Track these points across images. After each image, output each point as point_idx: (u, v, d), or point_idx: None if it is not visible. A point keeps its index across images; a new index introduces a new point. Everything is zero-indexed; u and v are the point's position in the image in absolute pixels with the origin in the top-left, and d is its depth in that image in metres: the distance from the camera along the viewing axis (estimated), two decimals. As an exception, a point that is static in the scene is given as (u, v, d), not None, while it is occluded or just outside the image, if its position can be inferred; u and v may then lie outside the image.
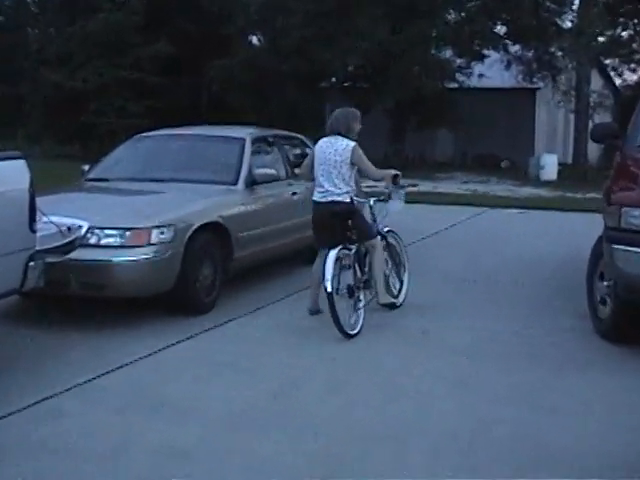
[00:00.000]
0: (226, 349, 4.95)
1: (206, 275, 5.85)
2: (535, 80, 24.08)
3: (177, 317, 5.67)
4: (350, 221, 5.51)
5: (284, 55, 23.31)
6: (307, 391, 4.22)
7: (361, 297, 5.51)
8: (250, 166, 6.69)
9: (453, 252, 8.74)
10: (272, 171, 6.75)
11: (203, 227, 5.78)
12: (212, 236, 5.93)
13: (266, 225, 6.70)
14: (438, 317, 5.83)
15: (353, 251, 5.51)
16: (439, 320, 5.74)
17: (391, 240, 6.13)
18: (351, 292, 5.39)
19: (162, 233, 5.43)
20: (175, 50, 25.15)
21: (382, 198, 5.84)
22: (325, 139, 5.58)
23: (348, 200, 5.47)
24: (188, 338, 5.18)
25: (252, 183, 6.61)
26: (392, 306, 5.84)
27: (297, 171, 5.90)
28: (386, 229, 6.04)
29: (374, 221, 5.85)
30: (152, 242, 5.37)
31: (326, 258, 5.24)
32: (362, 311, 5.48)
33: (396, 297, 6.08)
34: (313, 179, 5.67)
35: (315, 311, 5.63)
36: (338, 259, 5.28)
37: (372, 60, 22.67)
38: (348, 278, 5.42)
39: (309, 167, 5.72)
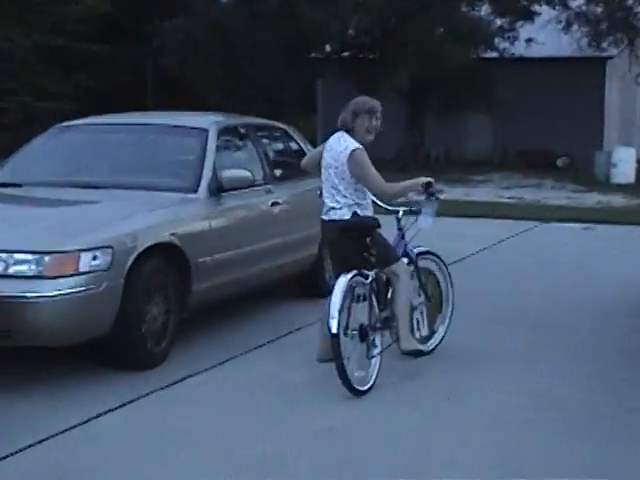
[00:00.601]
0: (181, 417, 4.99)
1: (155, 315, 5.91)
2: (605, 46, 24.12)
3: (116, 373, 5.72)
4: (366, 240, 5.61)
5: (261, 15, 23.55)
6: (291, 478, 4.25)
7: (377, 341, 5.59)
8: (215, 167, 6.77)
9: (492, 283, 8.82)
10: (245, 173, 6.83)
11: (151, 250, 5.85)
12: (163, 262, 6.00)
13: (237, 247, 6.77)
14: (472, 371, 5.90)
15: (370, 279, 5.59)
16: (473, 376, 5.81)
17: (425, 264, 6.21)
18: (364, 334, 5.48)
19: (95, 258, 5.49)
20: (112, 8, 25.36)
21: (413, 208, 5.94)
22: (337, 135, 5.70)
23: (347, 217, 5.55)
24: (130, 402, 5.22)
25: (218, 190, 6.68)
26: (418, 354, 5.87)
27: (301, 164, 6.01)
28: (418, 249, 6.14)
29: (402, 238, 5.96)
30: (81, 271, 5.42)
31: (333, 288, 5.33)
32: (377, 360, 5.56)
33: (425, 342, 6.15)
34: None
35: (326, 359, 5.66)
36: (350, 289, 5.37)
37: (380, 21, 22.92)
38: (362, 314, 5.51)
39: (313, 161, 5.86)
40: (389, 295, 5.73)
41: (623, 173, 21.04)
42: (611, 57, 25.71)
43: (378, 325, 5.61)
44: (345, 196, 5.55)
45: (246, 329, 6.93)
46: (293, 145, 8.32)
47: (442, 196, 6.11)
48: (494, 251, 10.70)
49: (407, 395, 5.43)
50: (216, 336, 6.70)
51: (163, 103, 24.32)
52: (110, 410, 5.07)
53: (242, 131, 7.67)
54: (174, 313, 6.09)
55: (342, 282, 5.33)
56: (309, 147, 8.53)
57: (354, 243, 5.59)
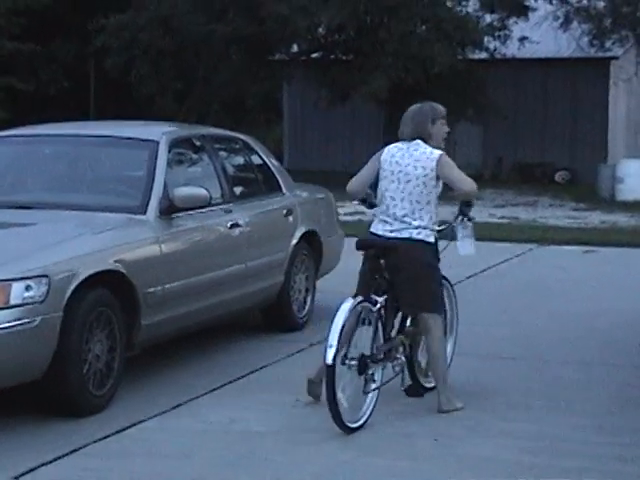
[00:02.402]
0: (125, 472, 4.99)
1: (98, 354, 5.91)
2: (609, 45, 24.14)
3: (53, 420, 5.70)
4: (408, 272, 5.81)
5: (218, 11, 23.62)
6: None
7: (376, 375, 5.74)
8: (166, 184, 6.80)
9: (483, 314, 8.89)
10: (200, 191, 6.85)
11: (93, 279, 5.85)
12: (107, 293, 6.01)
13: (192, 275, 6.79)
14: (463, 410, 5.96)
15: (379, 305, 5.77)
16: (464, 415, 5.87)
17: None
18: (363, 366, 5.61)
19: (28, 289, 5.49)
20: (47, 1, 25.28)
21: (444, 228, 6.12)
22: (398, 145, 6.03)
23: (421, 237, 5.84)
24: (67, 454, 5.21)
25: (169, 210, 6.70)
26: (419, 391, 6.13)
27: (348, 186, 6.17)
28: None
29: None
30: (12, 303, 5.41)
31: (336, 313, 5.48)
32: (374, 396, 5.71)
33: (428, 375, 6.32)
34: (370, 203, 6.11)
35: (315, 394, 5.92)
36: (355, 314, 5.53)
37: (354, 17, 23.04)
38: (364, 342, 5.64)
39: (366, 181, 6.12)
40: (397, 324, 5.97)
41: (630, 189, 21.11)
42: (616, 57, 25.93)
43: (380, 357, 5.77)
44: (426, 212, 5.85)
45: (203, 369, 6.93)
46: (255, 159, 8.36)
47: (476, 218, 6.30)
48: (485, 278, 10.78)
49: (391, 439, 5.47)
50: (168, 377, 6.70)
51: (107, 111, 24.32)
52: (43, 464, 5.05)
53: (197, 143, 7.71)
54: (120, 351, 6.09)
55: (346, 308, 5.50)
56: (273, 160, 8.59)
57: (397, 272, 5.85)
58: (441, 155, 5.89)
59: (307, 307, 8.38)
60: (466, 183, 5.88)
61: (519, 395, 6.40)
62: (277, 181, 8.42)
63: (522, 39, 24.64)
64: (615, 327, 8.48)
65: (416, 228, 5.84)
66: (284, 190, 8.43)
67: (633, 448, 5.38)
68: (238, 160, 8.34)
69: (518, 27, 24.71)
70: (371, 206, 6.19)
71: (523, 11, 24.56)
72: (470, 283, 10.45)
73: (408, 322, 6.09)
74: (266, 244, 7.79)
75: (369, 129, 27.77)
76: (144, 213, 6.57)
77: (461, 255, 6.15)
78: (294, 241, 8.16)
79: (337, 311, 5.50)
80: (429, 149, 5.92)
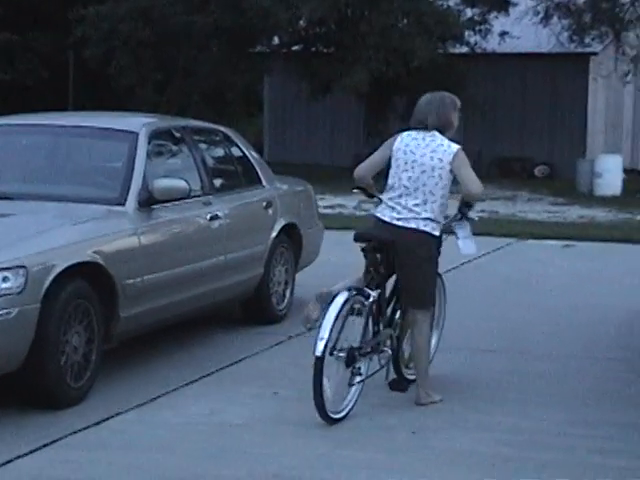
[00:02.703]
0: (104, 464, 4.97)
1: (76, 345, 5.88)
2: (589, 41, 24.27)
3: (30, 413, 5.67)
4: (407, 266, 5.85)
5: (199, 2, 23.57)
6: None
7: (362, 369, 5.79)
8: (146, 176, 6.78)
9: (461, 308, 8.91)
10: (180, 183, 6.84)
11: (71, 270, 5.82)
12: (86, 284, 5.98)
13: (171, 267, 6.78)
14: (442, 403, 5.99)
15: (372, 299, 5.80)
16: (443, 408, 5.90)
17: None
18: (351, 359, 5.65)
19: (5, 280, 5.46)
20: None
21: (445, 223, 6.11)
22: (412, 134, 5.99)
23: (428, 229, 5.83)
24: (44, 446, 5.19)
25: (148, 202, 6.68)
26: (403, 386, 6.18)
27: (356, 171, 6.14)
28: None
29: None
30: (-10, 294, 5.38)
31: (328, 306, 5.53)
32: (358, 389, 5.77)
33: (409, 367, 6.36)
34: (370, 193, 6.11)
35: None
36: (348, 305, 5.57)
37: (335, 10, 23.06)
38: (354, 333, 5.68)
39: (376, 167, 6.09)
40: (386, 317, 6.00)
41: (608, 184, 21.23)
42: (595, 53, 26.01)
43: (367, 350, 5.80)
44: (436, 205, 5.83)
45: (181, 361, 6.92)
46: (235, 151, 8.35)
47: (476, 218, 6.34)
48: (464, 272, 10.79)
49: (370, 431, 5.49)
50: (146, 369, 6.68)
51: (86, 102, 24.22)
52: (19, 457, 5.02)
53: (177, 135, 7.69)
54: (98, 343, 6.07)
55: (340, 300, 5.54)
56: (253, 153, 8.57)
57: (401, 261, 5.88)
58: (459, 150, 5.90)
59: (286, 300, 8.38)
60: (475, 185, 5.87)
61: (497, 388, 6.44)
62: (257, 173, 8.41)
63: (503, 34, 24.70)
64: (594, 321, 8.53)
65: (424, 220, 5.83)
66: (264, 182, 8.42)
67: (609, 441, 5.41)
68: (218, 152, 8.32)
69: (499, 22, 24.76)
70: (370, 196, 6.19)
71: (504, 6, 24.62)
72: (448, 277, 10.40)
73: (397, 315, 6.12)
74: (245, 236, 7.78)
75: (349, 122, 27.76)
76: (123, 204, 6.55)
77: (463, 254, 6.21)
78: (274, 233, 8.15)
79: (331, 303, 5.53)
80: (446, 141, 5.92)
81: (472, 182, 5.88)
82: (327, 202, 17.88)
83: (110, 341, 6.28)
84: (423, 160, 5.87)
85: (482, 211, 18.14)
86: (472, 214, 6.17)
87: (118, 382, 6.32)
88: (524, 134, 26.85)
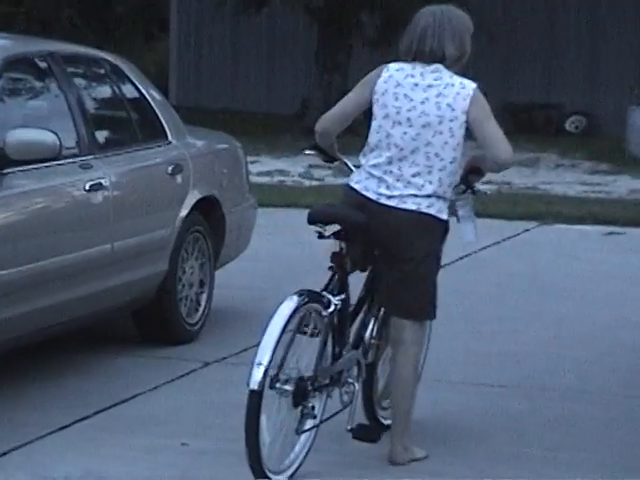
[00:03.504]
0: None
1: None
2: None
3: None
4: (403, 262, 5.86)
5: None
6: None
7: (316, 409, 5.79)
8: (-5, 124, 6.79)
9: (459, 320, 8.96)
10: (46, 136, 6.82)
11: None
12: None
13: (31, 260, 6.77)
14: (424, 465, 6.00)
15: (332, 308, 5.80)
16: (426, 472, 5.90)
17: None
18: (301, 394, 5.64)
19: None
20: None
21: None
22: (405, 68, 5.90)
23: (433, 212, 5.82)
24: None
25: (1, 163, 6.68)
26: (372, 435, 6.13)
27: (318, 124, 6.05)
28: None
29: None
30: None
31: (272, 316, 5.53)
32: (309, 438, 5.79)
33: (382, 405, 6.43)
34: (330, 156, 6.14)
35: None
36: (297, 317, 5.60)
37: None
38: (305, 358, 5.70)
39: (347, 118, 6.03)
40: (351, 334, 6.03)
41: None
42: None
43: (324, 381, 5.80)
44: (446, 175, 5.82)
45: (45, 399, 6.89)
46: (128, 90, 8.34)
47: (489, 191, 6.35)
48: (462, 269, 10.84)
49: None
50: (-5, 410, 6.69)
51: None
52: None
53: (42, 65, 7.65)
54: None
55: (286, 310, 5.54)
56: (154, 93, 8.56)
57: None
58: (476, 90, 5.86)
59: (202, 309, 8.40)
60: (504, 145, 5.83)
61: (506, 440, 6.47)
62: (160, 123, 8.40)
63: None
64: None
65: (427, 197, 5.79)
66: (169, 137, 8.41)
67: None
68: (102, 91, 8.30)
69: None
70: (329, 159, 6.24)
71: None
72: (441, 277, 10.46)
73: (368, 331, 6.13)
74: (142, 216, 7.79)
75: (295, 51, 27.72)
76: (-37, 167, 6.58)
77: (464, 242, 6.26)
78: (184, 212, 8.15)
79: (274, 315, 5.54)
80: (457, 78, 5.86)
81: (500, 141, 5.83)
82: (263, 167, 17.88)
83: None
84: (425, 108, 5.82)
85: (488, 182, 18.21)
86: (480, 185, 6.23)
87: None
88: (552, 71, 26.97)
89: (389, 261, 5.90)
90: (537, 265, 11.52)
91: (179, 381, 7.39)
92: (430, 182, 5.79)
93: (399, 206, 5.78)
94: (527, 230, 13.55)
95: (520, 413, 6.99)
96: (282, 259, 10.56)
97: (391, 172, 5.82)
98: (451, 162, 5.83)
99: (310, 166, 17.17)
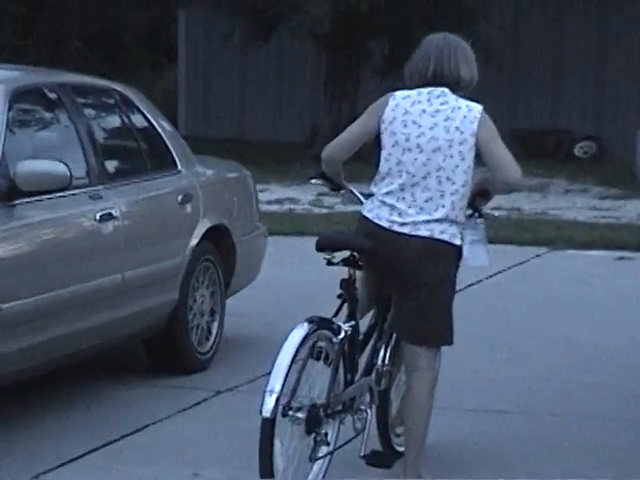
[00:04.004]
0: None
1: None
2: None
3: None
4: (419, 289, 5.85)
5: None
6: None
7: (329, 436, 5.80)
8: (5, 156, 6.77)
9: (470, 346, 8.95)
10: (56, 167, 6.83)
11: None
12: None
13: (43, 290, 6.77)
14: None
15: (343, 335, 5.80)
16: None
17: None
18: (314, 421, 5.64)
19: None
20: None
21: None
22: (411, 95, 5.93)
23: (446, 237, 5.83)
24: None
25: (9, 194, 6.67)
26: (386, 461, 6.15)
27: (325, 152, 6.08)
28: None
29: None
30: None
31: (283, 344, 5.53)
32: (323, 466, 5.79)
33: (396, 432, 6.43)
34: (337, 185, 6.20)
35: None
36: (308, 344, 5.60)
37: None
38: (318, 385, 5.70)
39: (355, 145, 6.04)
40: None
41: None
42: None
43: (337, 408, 5.81)
44: (459, 199, 5.83)
45: (57, 429, 6.89)
46: (137, 120, 8.35)
47: (497, 213, 6.33)
48: (472, 296, 10.81)
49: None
50: (6, 440, 6.65)
51: None
52: None
53: (51, 96, 7.66)
54: None
55: (297, 337, 5.55)
56: (162, 121, 8.57)
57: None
58: (483, 112, 5.90)
59: (213, 338, 8.39)
60: (514, 166, 5.85)
61: (517, 466, 6.43)
62: (169, 152, 8.41)
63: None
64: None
65: (440, 222, 5.79)
66: (179, 166, 8.42)
67: None
68: (112, 121, 8.32)
69: None
70: (336, 188, 6.26)
71: None
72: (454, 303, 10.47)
73: (380, 358, 6.13)
74: (152, 245, 7.79)
75: (303, 79, 27.75)
76: (-29, 198, 6.59)
77: (470, 266, 6.16)
78: (194, 241, 8.16)
79: (284, 342, 5.54)
80: (463, 101, 5.89)
81: (509, 162, 5.85)
82: (272, 195, 17.87)
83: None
84: (434, 133, 5.84)
85: (497, 208, 18.20)
86: (488, 209, 6.23)
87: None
88: (561, 96, 26.97)
89: (403, 288, 5.89)
90: (548, 290, 11.51)
91: (191, 410, 7.38)
92: (443, 206, 5.80)
93: (412, 233, 5.78)
94: (537, 256, 13.52)
95: (531, 439, 6.97)
96: (292, 286, 10.54)
97: (404, 198, 5.82)
98: (463, 185, 5.84)
99: (320, 194, 17.19)
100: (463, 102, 5.88)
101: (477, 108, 5.87)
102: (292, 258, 11.56)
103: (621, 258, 13.52)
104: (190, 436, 6.83)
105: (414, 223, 5.79)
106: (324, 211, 16.39)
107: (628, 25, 26.46)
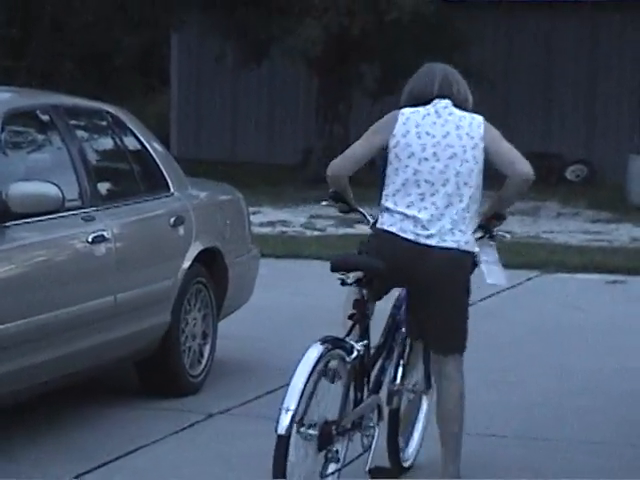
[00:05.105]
0: None
1: None
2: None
3: None
4: (443, 298, 6.00)
5: None
6: None
7: (340, 453, 5.82)
8: (-2, 177, 6.80)
9: (464, 368, 8.93)
10: (48, 189, 6.83)
11: None
12: None
13: (35, 312, 6.76)
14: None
15: (355, 354, 5.86)
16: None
17: None
18: (326, 439, 5.67)
19: None
20: None
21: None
22: (419, 110, 6.10)
23: (469, 248, 6.02)
24: None
25: (2, 216, 6.67)
26: (392, 475, 6.23)
27: (332, 168, 6.15)
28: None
29: None
30: None
31: (299, 362, 5.57)
32: None
33: (404, 450, 6.52)
34: (347, 203, 6.27)
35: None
36: (322, 363, 5.62)
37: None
38: (329, 402, 5.72)
39: (363, 160, 6.17)
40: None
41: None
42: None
43: (347, 426, 5.84)
44: (474, 212, 6.02)
45: (49, 452, 6.88)
46: (130, 142, 8.36)
47: (508, 236, 6.43)
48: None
49: None
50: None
51: None
52: None
53: (44, 118, 7.66)
54: None
55: (312, 357, 5.57)
56: (155, 144, 8.56)
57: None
58: (484, 119, 6.12)
59: (205, 361, 8.37)
60: (524, 161, 6.05)
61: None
62: (162, 174, 8.40)
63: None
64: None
65: (462, 232, 5.95)
66: (172, 188, 8.41)
67: None
68: (104, 143, 8.32)
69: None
70: (347, 210, 6.33)
71: None
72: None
73: (391, 376, 6.22)
74: (145, 268, 7.79)
75: (296, 102, 27.79)
76: (-38, 220, 6.58)
77: (489, 284, 6.29)
78: (186, 263, 8.15)
79: (300, 361, 5.56)
80: (465, 112, 6.11)
81: (519, 157, 6.06)
82: (265, 217, 17.87)
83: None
84: (449, 141, 6.02)
85: (508, 231, 18.17)
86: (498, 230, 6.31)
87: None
88: (552, 120, 27.01)
89: (427, 299, 6.02)
90: (539, 314, 11.51)
91: (183, 433, 7.37)
92: (462, 209, 5.98)
93: (439, 245, 5.92)
94: (529, 279, 13.54)
95: (523, 463, 6.96)
96: (284, 309, 10.54)
97: (425, 208, 5.97)
98: (476, 188, 6.04)
99: (312, 216, 17.20)
100: (465, 113, 6.11)
101: (479, 117, 6.11)
102: (284, 280, 11.55)
103: (613, 282, 13.55)
104: (182, 459, 6.82)
105: (439, 234, 5.93)
106: (316, 233, 16.39)
107: (618, 50, 26.54)
